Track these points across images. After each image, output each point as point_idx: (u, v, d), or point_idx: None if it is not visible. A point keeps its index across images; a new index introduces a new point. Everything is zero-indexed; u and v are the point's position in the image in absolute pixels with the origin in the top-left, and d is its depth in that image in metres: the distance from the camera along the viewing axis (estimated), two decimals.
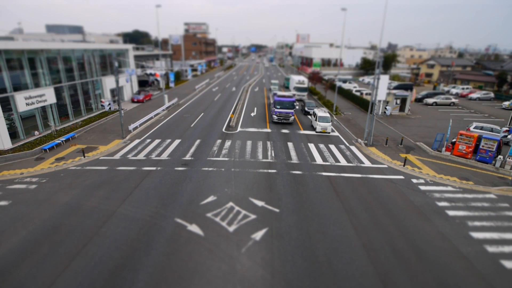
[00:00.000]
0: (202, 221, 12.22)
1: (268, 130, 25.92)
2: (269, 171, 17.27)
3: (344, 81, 56.44)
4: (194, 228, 11.78)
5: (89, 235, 11.24)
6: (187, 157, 19.23)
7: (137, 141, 22.55)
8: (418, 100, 42.62)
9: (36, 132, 22.96)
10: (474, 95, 46.45)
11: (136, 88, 41.91)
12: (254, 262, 10.03)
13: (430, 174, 17.54)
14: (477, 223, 12.57)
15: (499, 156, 18.61)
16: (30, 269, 9.61)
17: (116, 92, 24.46)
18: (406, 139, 23.98)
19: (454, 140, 20.71)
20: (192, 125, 27.17)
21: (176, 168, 17.42)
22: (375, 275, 9.61)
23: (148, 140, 22.67)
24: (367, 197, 14.64)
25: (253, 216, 12.59)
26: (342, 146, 22.22)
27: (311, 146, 21.84)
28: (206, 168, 17.45)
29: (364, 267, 9.92)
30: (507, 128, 24.21)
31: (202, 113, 32.16)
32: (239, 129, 26.05)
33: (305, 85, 41.32)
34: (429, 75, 72.56)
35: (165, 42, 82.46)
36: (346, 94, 43.98)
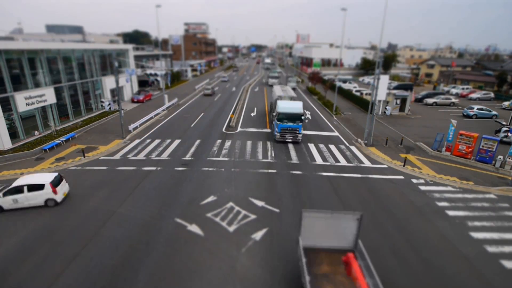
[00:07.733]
0: (202, 221, 12.23)
1: (268, 130, 25.91)
2: (269, 171, 17.27)
3: (344, 81, 56.35)
4: (194, 228, 11.79)
5: (89, 235, 11.25)
6: (187, 157, 19.23)
7: (137, 141, 22.55)
8: (418, 100, 42.55)
9: (36, 132, 22.95)
10: (474, 95, 46.42)
11: (136, 88, 41.92)
12: (254, 262, 10.04)
13: (430, 174, 17.53)
14: (477, 223, 12.57)
15: (499, 156, 18.61)
16: (30, 269, 9.63)
17: (116, 92, 24.46)
18: (406, 139, 23.97)
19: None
20: (192, 125, 27.16)
21: (176, 168, 17.43)
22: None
23: (148, 140, 22.66)
24: (367, 197, 14.63)
25: (253, 216, 12.60)
26: (342, 146, 22.22)
27: (311, 146, 21.83)
28: (206, 168, 17.45)
29: None
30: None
31: (202, 113, 32.16)
32: (239, 129, 26.04)
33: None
34: (429, 75, 72.55)
35: (165, 42, 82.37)
36: (346, 94, 43.97)
